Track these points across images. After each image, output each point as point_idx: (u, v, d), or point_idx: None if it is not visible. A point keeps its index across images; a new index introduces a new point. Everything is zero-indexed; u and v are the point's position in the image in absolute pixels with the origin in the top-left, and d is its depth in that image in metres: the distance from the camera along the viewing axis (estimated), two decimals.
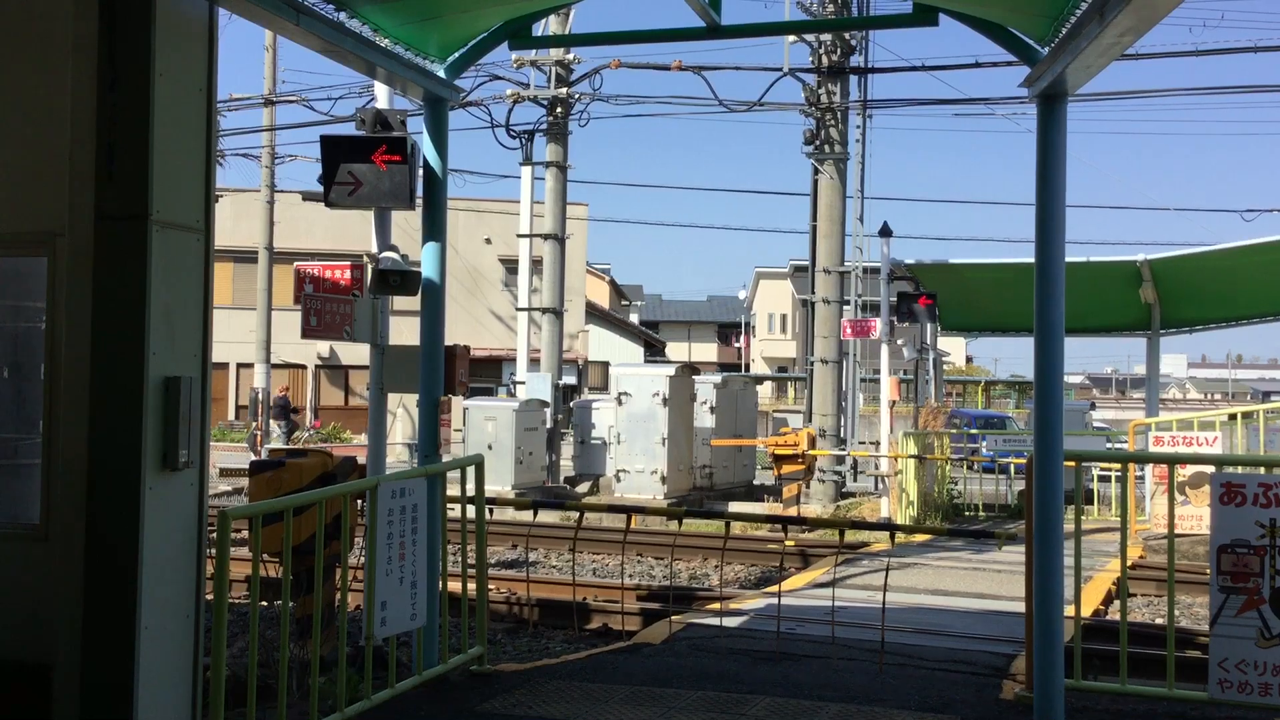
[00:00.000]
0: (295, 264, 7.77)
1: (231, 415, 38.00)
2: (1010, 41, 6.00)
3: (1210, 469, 6.02)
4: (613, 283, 62.94)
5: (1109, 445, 21.10)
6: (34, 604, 4.66)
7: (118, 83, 4.55)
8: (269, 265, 30.62)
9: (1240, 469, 6.16)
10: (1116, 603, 10.26)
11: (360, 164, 6.62)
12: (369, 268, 7.65)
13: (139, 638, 4.49)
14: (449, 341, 6.95)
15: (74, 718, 4.54)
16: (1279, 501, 5.64)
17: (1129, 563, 12.11)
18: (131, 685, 4.48)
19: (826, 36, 20.16)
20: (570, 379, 23.23)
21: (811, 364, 21.27)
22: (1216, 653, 5.72)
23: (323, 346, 38.35)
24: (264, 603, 6.35)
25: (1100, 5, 4.58)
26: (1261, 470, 5.90)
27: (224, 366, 36.94)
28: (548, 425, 20.90)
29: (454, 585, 6.67)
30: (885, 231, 18.62)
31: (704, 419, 20.54)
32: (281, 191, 32.14)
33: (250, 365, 32.23)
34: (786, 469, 16.63)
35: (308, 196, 37.12)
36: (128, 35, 4.54)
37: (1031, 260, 5.93)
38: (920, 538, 13.90)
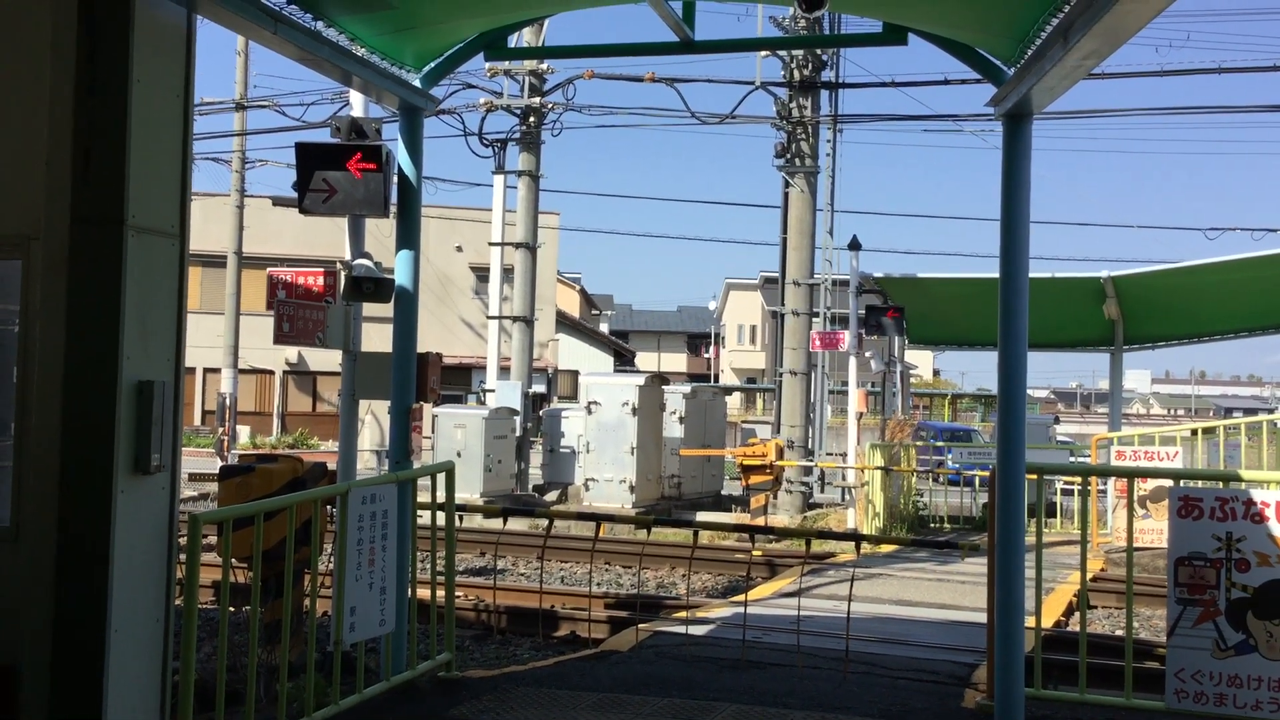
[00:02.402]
0: (268, 270, 7.80)
1: (198, 420, 37.74)
2: (977, 62, 6.12)
3: (1170, 483, 6.14)
4: (583, 292, 62.98)
5: (1072, 459, 21.33)
6: (3, 605, 4.65)
7: (95, 88, 4.56)
8: (238, 270, 30.46)
9: (1199, 483, 6.29)
10: (1077, 614, 10.39)
11: (335, 171, 6.66)
12: (342, 274, 7.68)
13: (109, 640, 4.49)
14: (420, 349, 6.99)
15: (42, 719, 4.54)
16: (1235, 515, 5.77)
17: (1091, 575, 12.27)
18: (100, 688, 4.48)
19: (798, 52, 20.33)
20: (540, 387, 23.22)
21: (780, 375, 21.40)
22: (1173, 663, 5.83)
23: (290, 352, 38.16)
24: (232, 608, 6.35)
25: (1065, 29, 4.69)
26: (1219, 485, 6.03)
27: (190, 371, 36.70)
28: (517, 433, 20.90)
29: (423, 592, 6.70)
30: (854, 245, 18.77)
31: (673, 429, 20.62)
32: (252, 196, 31.99)
33: (217, 370, 32.01)
34: (754, 479, 16.72)
35: (278, 201, 36.88)
36: (106, 41, 4.56)
37: (997, 275, 6.05)
38: (886, 548, 14.04)
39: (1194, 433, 15.17)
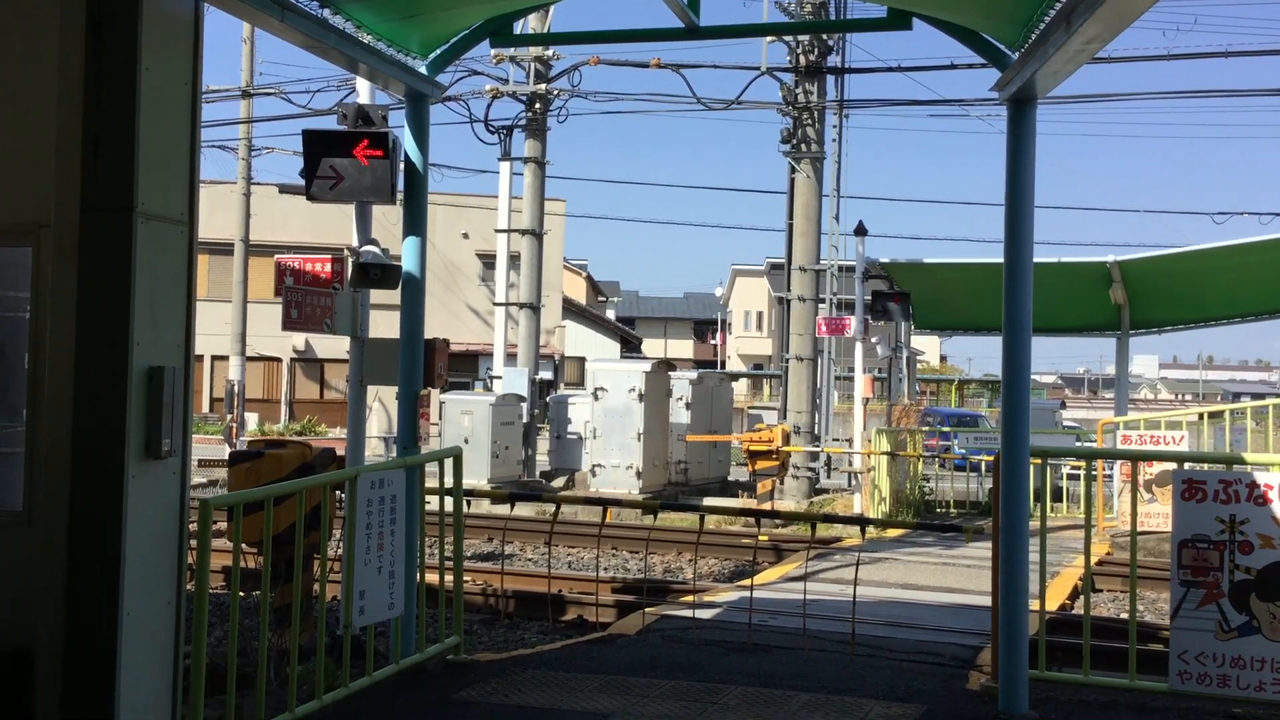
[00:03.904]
0: (276, 257, 7.83)
1: (206, 408, 37.85)
2: (982, 46, 6.13)
3: (1174, 467, 6.17)
4: (590, 279, 62.95)
5: (1079, 444, 21.33)
6: (16, 589, 4.71)
7: (104, 77, 4.59)
8: (245, 258, 30.52)
9: (1204, 466, 6.32)
10: (1083, 597, 10.42)
11: (342, 158, 6.69)
12: (349, 261, 7.71)
13: (121, 624, 4.53)
14: (427, 335, 7.02)
15: (56, 702, 4.59)
16: (1238, 498, 5.80)
17: (1096, 559, 12.30)
18: (113, 671, 4.53)
19: (804, 37, 20.30)
20: (547, 374, 23.31)
21: (787, 361, 21.42)
22: (1177, 645, 5.87)
23: (298, 339, 38.24)
24: (242, 593, 6.41)
25: (1067, 13, 4.70)
26: (1222, 468, 6.05)
27: (198, 359, 36.56)
28: (524, 420, 20.96)
29: (431, 577, 6.75)
30: (860, 230, 18.76)
31: (680, 415, 20.65)
32: (258, 184, 32.03)
33: (225, 358, 32.12)
34: (761, 465, 16.76)
35: (285, 189, 37.04)
36: (114, 30, 4.59)
37: (1003, 260, 6.06)
38: (892, 533, 14.08)
39: (1200, 417, 15.17)
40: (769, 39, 20.74)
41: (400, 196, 6.91)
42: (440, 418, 20.03)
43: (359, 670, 5.89)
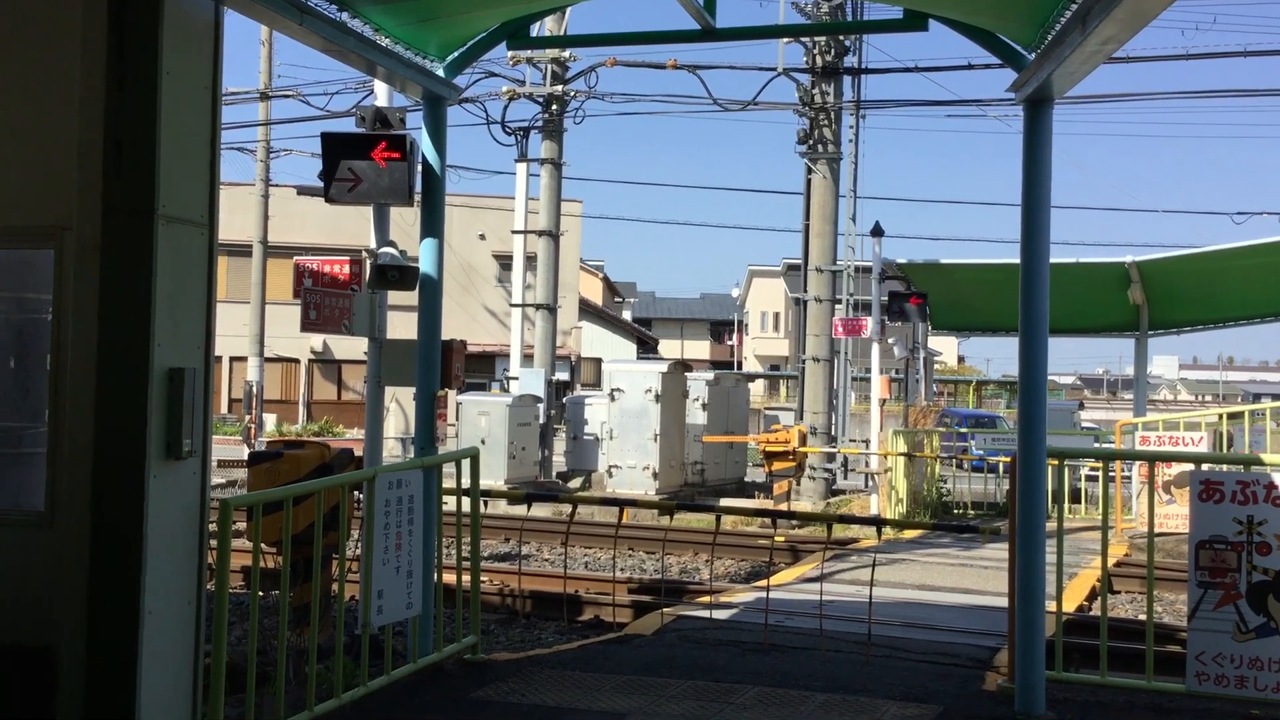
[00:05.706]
0: (295, 258, 7.89)
1: (225, 408, 38.01)
2: (998, 47, 6.13)
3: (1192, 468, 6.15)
4: (606, 280, 62.97)
5: (1097, 445, 21.26)
6: (39, 589, 4.76)
7: (126, 81, 4.64)
8: (263, 259, 30.66)
9: (1224, 468, 6.30)
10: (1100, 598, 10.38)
11: (360, 161, 6.73)
12: (367, 263, 7.76)
13: (142, 623, 4.58)
14: (444, 336, 7.05)
15: (78, 700, 4.64)
16: (1256, 499, 5.79)
17: (1115, 560, 12.26)
18: (134, 669, 4.57)
19: (821, 38, 20.30)
20: (563, 375, 23.35)
21: (803, 362, 21.41)
22: (1194, 646, 5.86)
23: (316, 340, 38.35)
24: (261, 592, 6.45)
25: (1083, 14, 4.70)
26: (1240, 469, 6.04)
27: (217, 360, 36.73)
28: (540, 421, 21.01)
29: (449, 576, 6.79)
30: (877, 231, 18.72)
31: (696, 416, 20.67)
32: (276, 185, 32.17)
33: (243, 358, 32.27)
34: (777, 466, 16.75)
35: (302, 191, 37.18)
36: (136, 35, 4.63)
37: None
38: (909, 534, 14.06)
39: (1220, 418, 15.11)
40: (785, 40, 20.73)
41: (418, 198, 6.94)
42: (457, 419, 20.09)
43: (377, 669, 5.92)
